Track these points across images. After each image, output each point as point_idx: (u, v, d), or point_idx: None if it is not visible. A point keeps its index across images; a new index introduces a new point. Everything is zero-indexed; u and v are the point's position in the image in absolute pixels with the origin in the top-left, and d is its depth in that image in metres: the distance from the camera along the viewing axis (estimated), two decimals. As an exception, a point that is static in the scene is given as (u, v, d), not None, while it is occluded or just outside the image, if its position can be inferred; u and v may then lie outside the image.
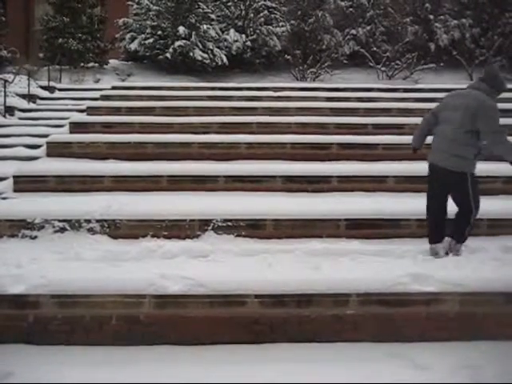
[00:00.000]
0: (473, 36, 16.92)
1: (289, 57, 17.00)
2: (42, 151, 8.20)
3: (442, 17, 17.16)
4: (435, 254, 4.69)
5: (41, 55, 18.20)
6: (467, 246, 4.83)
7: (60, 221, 5.35)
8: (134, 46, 17.75)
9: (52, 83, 14.45)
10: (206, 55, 16.97)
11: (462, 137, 4.62)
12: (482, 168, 6.87)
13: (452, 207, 4.84)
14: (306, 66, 16.96)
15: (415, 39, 17.16)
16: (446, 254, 4.68)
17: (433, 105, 10.59)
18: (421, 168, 6.79)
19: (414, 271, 3.83)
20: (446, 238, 4.75)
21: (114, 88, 13.21)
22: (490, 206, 5.75)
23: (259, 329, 3.59)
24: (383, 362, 3.33)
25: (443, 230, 4.86)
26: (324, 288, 3.64)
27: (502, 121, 4.78)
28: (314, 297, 3.61)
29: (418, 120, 9.24)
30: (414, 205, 5.72)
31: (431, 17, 17.12)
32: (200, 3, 17.50)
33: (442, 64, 16.64)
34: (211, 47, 17.16)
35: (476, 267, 4.15)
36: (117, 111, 10.15)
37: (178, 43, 16.76)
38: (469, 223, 4.71)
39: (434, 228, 4.89)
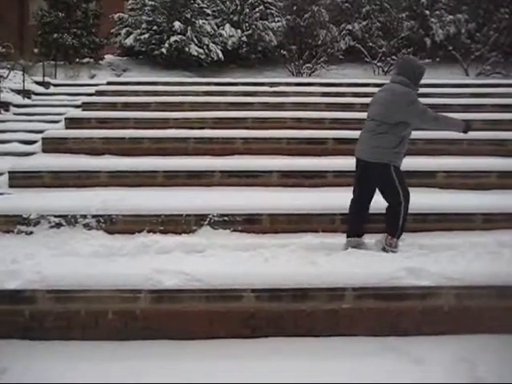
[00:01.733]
0: (468, 31, 16.91)
1: (284, 52, 16.97)
2: (37, 147, 8.18)
3: (437, 12, 17.14)
4: (353, 247, 4.69)
5: (35, 50, 18.11)
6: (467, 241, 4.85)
7: (56, 216, 5.34)
8: (129, 41, 17.68)
9: (47, 79, 14.39)
10: (201, 50, 16.93)
11: (379, 128, 4.65)
12: (476, 163, 6.94)
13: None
14: (301, 61, 16.94)
15: (411, 34, 17.16)
16: (383, 249, 4.66)
17: (428, 100, 10.66)
18: (416, 163, 6.82)
19: (410, 265, 3.84)
20: (384, 234, 4.77)
21: (109, 83, 13.15)
22: (484, 201, 5.78)
23: (255, 323, 3.59)
24: (379, 356, 3.35)
25: (363, 225, 4.92)
26: (320, 282, 3.65)
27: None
28: (309, 291, 3.62)
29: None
30: (410, 199, 5.74)
31: (427, 12, 17.10)
32: (195, -2, 17.46)
33: (437, 59, 16.64)
34: (207, 42, 17.11)
35: (471, 261, 4.17)
36: (112, 107, 10.13)
37: (173, 38, 16.71)
38: (400, 216, 4.67)
39: (354, 222, 4.93)
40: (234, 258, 4.43)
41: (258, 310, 3.60)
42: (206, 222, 5.38)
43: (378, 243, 4.80)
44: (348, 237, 4.90)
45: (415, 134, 8.01)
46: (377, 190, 4.86)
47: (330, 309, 3.63)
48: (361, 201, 4.92)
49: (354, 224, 4.95)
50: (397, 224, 4.69)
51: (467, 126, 4.81)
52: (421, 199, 5.81)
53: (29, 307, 3.54)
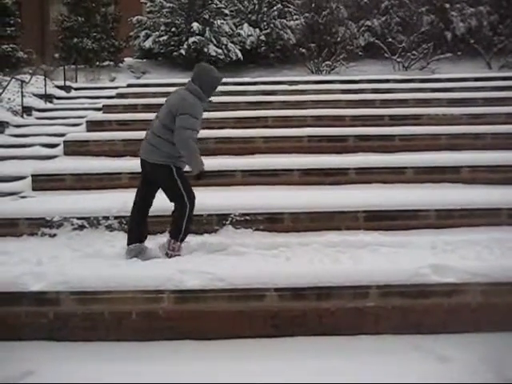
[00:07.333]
0: (491, 23, 16.61)
1: (303, 50, 16.90)
2: (59, 150, 8.28)
3: (458, 5, 16.88)
4: (134, 256, 4.53)
5: (56, 55, 18.35)
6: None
7: (78, 218, 5.39)
8: (148, 43, 17.79)
9: (68, 83, 14.55)
10: (220, 50, 16.96)
11: (164, 132, 4.48)
12: (501, 157, 6.80)
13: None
14: (320, 58, 16.86)
15: (431, 29, 16.93)
16: (166, 254, 4.54)
17: (450, 94, 10.55)
18: (440, 158, 6.73)
19: (434, 262, 3.78)
20: (167, 238, 4.64)
21: (129, 86, 13.28)
22: (510, 196, 5.67)
23: (279, 322, 3.57)
24: (405, 355, 3.29)
25: (144, 229, 4.75)
26: (343, 280, 3.60)
27: None
28: (333, 289, 3.58)
29: (435, 110, 9.17)
30: (433, 196, 5.67)
31: (447, 5, 16.86)
32: (213, -1, 17.49)
33: (459, 53, 16.42)
34: (225, 42, 17.14)
35: (498, 257, 4.09)
36: (133, 109, 10.21)
37: (192, 39, 16.77)
38: (185, 219, 4.52)
39: (137, 227, 4.73)
40: (256, 257, 4.42)
41: (282, 309, 3.58)
42: (228, 222, 5.38)
43: (162, 248, 4.65)
44: (129, 244, 4.68)
45: (437, 130, 7.97)
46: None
47: (354, 307, 3.59)
48: (144, 203, 4.75)
49: (137, 229, 4.73)
50: (181, 228, 4.55)
51: (201, 172, 4.51)
52: (445, 195, 5.74)
53: (53, 309, 3.57)
